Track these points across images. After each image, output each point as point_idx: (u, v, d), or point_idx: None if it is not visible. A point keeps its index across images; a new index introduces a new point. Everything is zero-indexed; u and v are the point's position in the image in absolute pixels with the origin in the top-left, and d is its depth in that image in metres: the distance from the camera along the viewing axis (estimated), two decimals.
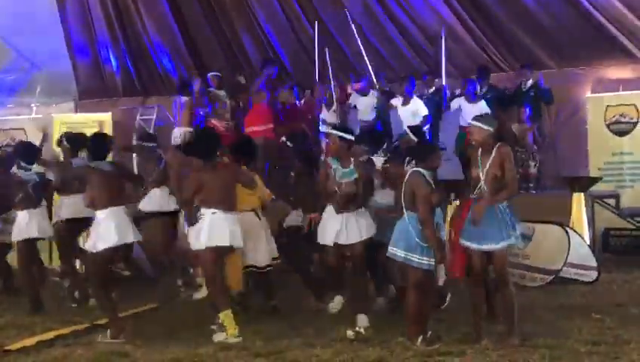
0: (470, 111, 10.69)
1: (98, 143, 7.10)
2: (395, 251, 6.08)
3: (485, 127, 6.16)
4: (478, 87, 11.22)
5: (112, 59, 14.29)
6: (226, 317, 6.43)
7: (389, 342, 6.14)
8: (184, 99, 11.07)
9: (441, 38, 11.18)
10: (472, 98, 10.84)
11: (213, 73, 11.73)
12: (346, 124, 10.66)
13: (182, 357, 6.01)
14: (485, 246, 6.09)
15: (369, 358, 5.79)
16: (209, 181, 6.50)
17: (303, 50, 13.11)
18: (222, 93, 11.49)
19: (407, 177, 6.09)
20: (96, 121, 13.25)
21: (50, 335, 6.74)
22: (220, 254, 6.56)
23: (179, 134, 10.70)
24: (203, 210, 6.54)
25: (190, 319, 7.30)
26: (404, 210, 6.06)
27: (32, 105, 14.34)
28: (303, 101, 11.66)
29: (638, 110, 10.83)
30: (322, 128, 11.06)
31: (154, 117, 13.38)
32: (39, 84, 13.98)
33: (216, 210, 6.47)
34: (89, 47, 14.14)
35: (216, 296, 6.59)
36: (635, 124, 10.86)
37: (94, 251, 6.59)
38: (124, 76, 14.52)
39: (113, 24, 13.83)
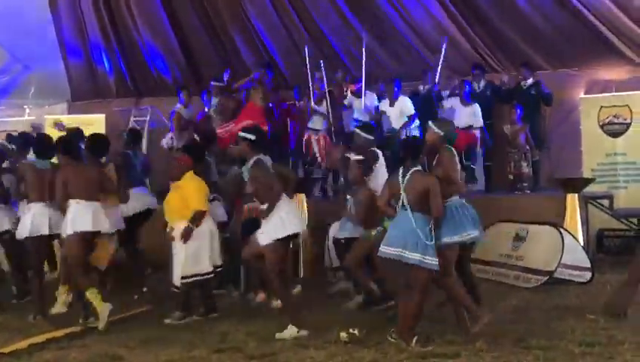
0: (464, 112, 10.77)
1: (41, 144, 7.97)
2: (407, 254, 6.00)
3: (437, 130, 6.60)
4: (475, 84, 11.25)
5: (105, 61, 14.27)
6: (91, 294, 7.01)
7: (383, 344, 6.13)
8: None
9: (442, 48, 11.21)
10: (467, 100, 10.86)
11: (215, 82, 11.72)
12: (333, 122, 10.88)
13: (176, 359, 6.00)
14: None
15: (363, 360, 5.79)
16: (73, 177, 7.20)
17: (296, 52, 13.09)
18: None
19: (412, 178, 6.13)
20: (89, 121, 13.21)
21: (43, 338, 6.70)
22: (85, 238, 7.12)
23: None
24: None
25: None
26: (409, 211, 6.06)
27: (25, 106, 14.31)
28: (301, 102, 11.64)
29: (631, 111, 10.85)
30: (310, 124, 11.12)
31: (147, 118, 13.35)
32: (32, 85, 13.95)
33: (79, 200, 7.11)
34: (82, 49, 14.12)
35: (81, 276, 7.16)
36: (628, 125, 10.88)
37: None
38: (117, 77, 14.50)
39: (106, 25, 13.81)
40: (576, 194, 9.36)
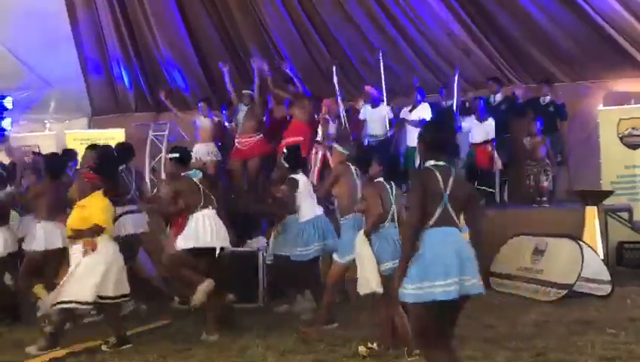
0: (480, 129, 10.82)
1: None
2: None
3: (342, 151, 7.10)
4: (492, 97, 11.28)
5: (125, 76, 14.37)
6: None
7: (401, 359, 6.12)
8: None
9: (455, 75, 11.23)
10: (482, 115, 10.90)
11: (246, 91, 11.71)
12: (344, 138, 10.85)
13: None
14: (341, 260, 6.94)
15: None
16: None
17: (315, 67, 13.15)
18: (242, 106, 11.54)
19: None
20: (109, 136, 13.32)
21: (63, 352, 6.75)
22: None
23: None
24: None
25: (202, 335, 7.31)
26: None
27: (46, 121, 14.45)
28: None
29: None
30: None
31: (166, 133, 13.44)
32: (52, 100, 14.09)
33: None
34: (101, 64, 14.21)
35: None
36: None
37: None
38: (136, 92, 14.61)
39: (125, 41, 13.90)
40: (596, 207, 9.34)
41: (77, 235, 6.86)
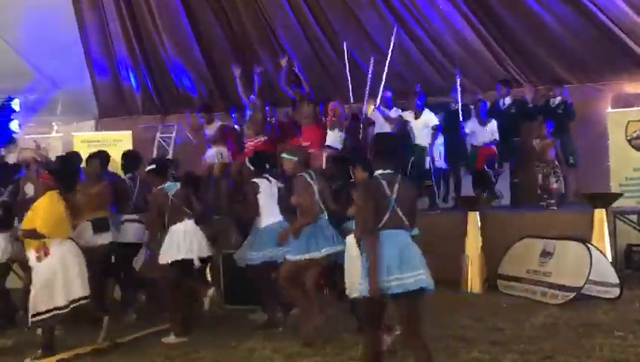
0: (482, 131, 10.85)
1: None
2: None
3: (290, 157, 7.23)
4: (501, 100, 11.25)
5: (132, 78, 14.39)
6: None
7: (408, 359, 6.09)
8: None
9: (457, 76, 11.22)
10: (484, 118, 10.95)
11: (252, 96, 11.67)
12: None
13: None
14: (293, 257, 6.97)
15: None
16: None
17: (324, 72, 13.15)
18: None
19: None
20: (116, 138, 13.35)
21: (71, 353, 6.75)
22: None
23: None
24: None
25: (210, 337, 7.31)
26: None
27: (53, 123, 14.48)
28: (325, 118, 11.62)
29: None
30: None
31: (173, 135, 13.45)
32: (60, 102, 14.12)
33: None
34: (109, 66, 14.25)
35: None
36: None
37: None
38: (143, 94, 14.63)
39: (132, 43, 13.93)
40: (604, 210, 9.28)
41: (25, 236, 6.85)
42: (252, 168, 7.95)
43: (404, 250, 5.00)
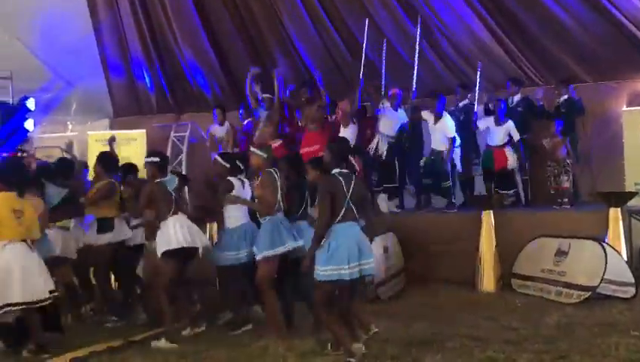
0: (498, 131, 10.77)
1: None
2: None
3: (260, 154, 7.32)
4: (510, 99, 11.21)
5: (146, 77, 14.46)
6: None
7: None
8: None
9: (478, 72, 11.16)
10: (501, 119, 10.81)
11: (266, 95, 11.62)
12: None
13: None
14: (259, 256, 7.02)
15: None
16: None
17: (335, 67, 13.16)
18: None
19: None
20: (130, 137, 13.41)
21: (86, 351, 6.78)
22: None
23: None
24: None
25: (223, 335, 7.33)
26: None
27: (68, 122, 14.55)
28: (334, 116, 11.62)
29: None
30: None
31: (187, 133, 13.49)
32: (75, 102, 14.19)
33: None
34: (123, 66, 14.31)
35: None
36: None
37: None
38: (158, 94, 14.68)
39: (147, 43, 13.99)
40: (619, 208, 9.22)
41: None
42: (227, 166, 7.83)
43: (360, 240, 5.85)
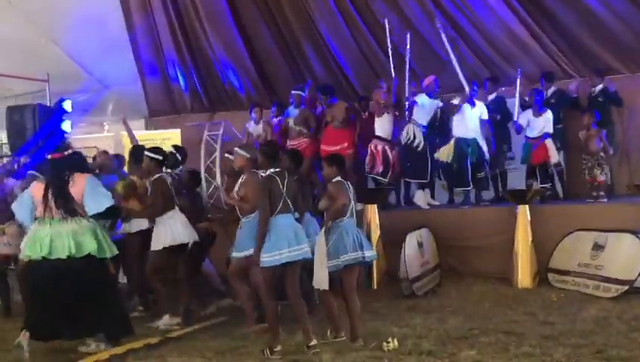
0: (537, 123, 10.61)
1: None
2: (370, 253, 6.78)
3: (244, 154, 7.46)
4: (544, 93, 11.10)
5: (180, 78, 14.61)
6: None
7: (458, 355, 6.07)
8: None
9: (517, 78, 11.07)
10: (539, 110, 10.67)
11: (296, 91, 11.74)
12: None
13: None
14: (239, 254, 7.24)
15: None
16: None
17: (366, 64, 13.16)
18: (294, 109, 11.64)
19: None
20: (165, 136, 13.53)
21: (124, 348, 6.86)
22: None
23: None
24: None
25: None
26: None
27: (104, 123, 14.75)
28: (366, 113, 11.63)
29: None
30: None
31: (221, 132, 13.59)
32: (111, 103, 14.39)
33: None
34: (158, 67, 14.48)
35: None
36: None
37: None
38: (191, 94, 14.83)
39: (180, 44, 14.13)
40: None
41: None
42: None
43: (296, 229, 6.46)
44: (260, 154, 6.87)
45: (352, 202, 6.69)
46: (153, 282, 7.98)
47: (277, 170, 6.57)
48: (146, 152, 8.06)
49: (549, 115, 10.56)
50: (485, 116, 10.70)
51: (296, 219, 6.66)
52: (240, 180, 7.44)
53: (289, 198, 6.46)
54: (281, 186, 6.44)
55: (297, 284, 6.57)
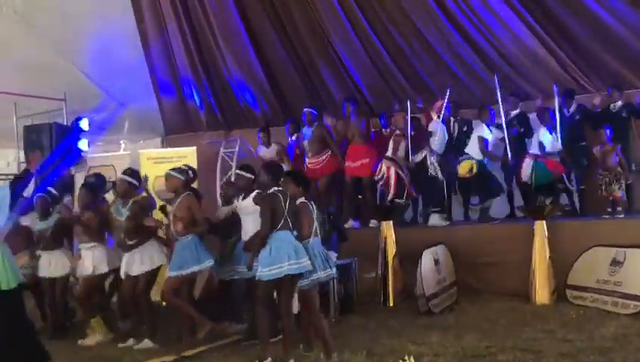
0: (549, 142, 10.57)
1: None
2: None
3: (177, 176, 7.60)
4: (565, 109, 11.04)
5: (196, 96, 14.68)
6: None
7: None
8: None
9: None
10: (550, 132, 10.69)
11: (307, 109, 11.78)
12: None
13: None
14: (174, 273, 7.44)
15: None
16: None
17: (380, 79, 13.19)
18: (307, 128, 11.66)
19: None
20: (182, 154, 13.58)
21: (172, 357, 7.03)
22: None
23: None
24: None
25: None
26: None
27: (121, 141, 14.83)
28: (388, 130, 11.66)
29: None
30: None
31: (236, 149, 13.64)
32: (127, 121, 14.47)
33: None
34: (173, 85, 14.55)
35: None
36: None
37: None
38: (207, 111, 14.89)
39: (195, 62, 14.20)
40: None
41: None
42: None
43: (296, 245, 6.62)
44: (263, 174, 7.00)
45: (316, 223, 6.85)
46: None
47: (279, 188, 6.78)
48: (122, 176, 8.23)
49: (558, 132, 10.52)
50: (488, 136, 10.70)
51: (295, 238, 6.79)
52: (176, 202, 7.56)
53: (289, 217, 6.66)
54: (283, 204, 6.65)
55: (291, 300, 6.85)
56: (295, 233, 6.76)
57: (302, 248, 6.67)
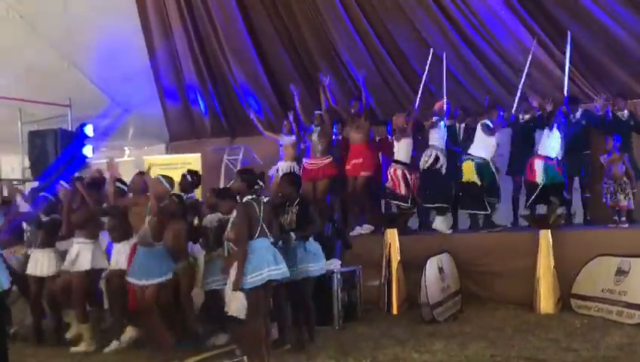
0: (551, 147, 10.52)
1: None
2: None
3: (165, 184, 7.46)
4: (571, 116, 10.99)
5: (201, 103, 14.72)
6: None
7: None
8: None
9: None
10: (552, 130, 10.58)
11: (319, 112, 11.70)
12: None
13: None
14: (143, 282, 7.22)
15: None
16: None
17: (386, 87, 13.17)
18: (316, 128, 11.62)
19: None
20: (186, 160, 13.58)
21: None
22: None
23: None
24: None
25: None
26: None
27: (126, 147, 14.85)
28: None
29: None
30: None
31: (240, 156, 13.65)
32: (131, 127, 14.50)
33: None
34: (178, 92, 14.60)
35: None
36: None
37: None
38: (212, 118, 14.93)
39: (201, 69, 14.24)
40: None
41: None
42: None
43: (274, 252, 6.72)
44: (238, 181, 6.99)
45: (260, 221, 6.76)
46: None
47: (254, 196, 6.75)
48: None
49: (560, 137, 10.46)
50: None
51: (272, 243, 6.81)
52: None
53: (265, 223, 6.66)
54: (258, 212, 6.65)
55: (268, 306, 6.96)
56: (271, 238, 6.78)
57: (279, 255, 6.74)
